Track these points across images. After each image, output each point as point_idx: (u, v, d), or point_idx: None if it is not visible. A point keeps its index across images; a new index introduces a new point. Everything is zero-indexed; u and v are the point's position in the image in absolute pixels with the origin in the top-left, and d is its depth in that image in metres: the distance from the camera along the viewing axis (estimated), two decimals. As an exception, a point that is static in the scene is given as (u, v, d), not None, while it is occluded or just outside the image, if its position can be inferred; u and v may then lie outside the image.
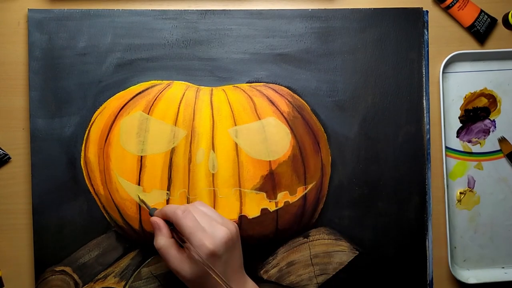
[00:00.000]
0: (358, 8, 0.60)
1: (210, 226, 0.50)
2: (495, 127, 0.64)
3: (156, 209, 0.54)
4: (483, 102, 0.64)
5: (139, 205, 0.57)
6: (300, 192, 0.59)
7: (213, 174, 0.58)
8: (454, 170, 0.63)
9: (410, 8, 0.61)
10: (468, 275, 0.62)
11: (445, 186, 0.61)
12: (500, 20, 0.64)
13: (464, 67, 0.63)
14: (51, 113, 0.57)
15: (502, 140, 0.63)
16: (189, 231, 0.49)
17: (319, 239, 0.60)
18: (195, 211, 0.51)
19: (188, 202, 0.57)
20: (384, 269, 0.60)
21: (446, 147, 0.63)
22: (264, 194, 0.58)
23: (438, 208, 0.62)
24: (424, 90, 0.61)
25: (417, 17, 0.61)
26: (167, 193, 0.57)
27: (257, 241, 0.59)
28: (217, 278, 0.48)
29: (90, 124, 0.58)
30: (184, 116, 0.58)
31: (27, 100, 0.58)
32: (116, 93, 0.58)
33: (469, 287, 0.62)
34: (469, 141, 0.63)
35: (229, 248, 0.50)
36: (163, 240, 0.51)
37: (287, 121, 0.59)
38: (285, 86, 0.59)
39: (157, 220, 0.52)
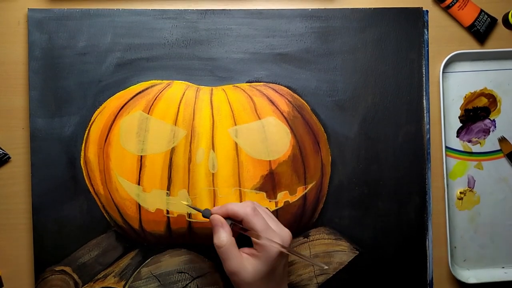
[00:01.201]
0: (358, 8, 0.60)
1: (277, 226, 0.51)
2: (495, 126, 0.64)
3: (209, 210, 0.52)
4: (483, 102, 0.64)
5: (139, 204, 0.57)
6: (300, 192, 0.59)
7: (213, 174, 0.58)
8: (454, 170, 0.63)
9: (410, 8, 0.61)
10: (468, 275, 0.62)
11: (445, 186, 0.61)
12: (500, 20, 0.64)
13: (464, 67, 0.63)
14: (51, 113, 0.57)
15: (502, 140, 0.63)
16: (262, 228, 0.49)
17: (319, 239, 0.60)
18: (260, 209, 0.52)
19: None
20: (384, 269, 0.60)
21: (446, 147, 0.63)
22: (264, 194, 0.58)
23: (438, 208, 0.62)
24: (424, 90, 0.61)
25: (417, 17, 0.61)
26: (167, 193, 0.57)
27: (257, 241, 0.59)
28: (309, 261, 0.49)
29: (90, 123, 0.58)
30: (184, 115, 0.58)
31: (27, 100, 0.58)
32: (116, 92, 0.58)
33: (469, 287, 0.62)
34: (469, 141, 0.63)
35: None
36: (226, 237, 0.49)
37: (287, 120, 0.59)
38: (285, 86, 0.59)
39: (219, 217, 0.51)
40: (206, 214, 0.52)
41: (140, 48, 0.58)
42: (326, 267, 0.52)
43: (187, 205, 0.56)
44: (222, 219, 0.51)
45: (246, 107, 0.59)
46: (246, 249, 0.51)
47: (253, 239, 0.49)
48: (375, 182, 0.60)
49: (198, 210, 0.53)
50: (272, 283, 0.50)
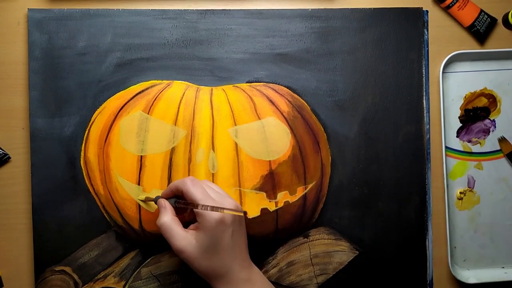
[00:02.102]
0: (358, 8, 0.60)
1: (219, 197, 0.50)
2: (495, 127, 0.64)
3: (160, 196, 0.54)
4: (483, 102, 0.63)
5: (139, 204, 0.57)
6: (300, 192, 0.59)
7: (213, 174, 0.58)
8: (454, 170, 0.63)
9: (410, 8, 0.61)
10: (468, 275, 0.62)
11: (445, 186, 0.61)
12: (500, 20, 0.64)
13: (464, 67, 0.63)
14: (51, 113, 0.57)
15: (502, 140, 0.63)
16: (200, 197, 0.49)
17: (319, 239, 0.60)
18: (204, 183, 0.52)
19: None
20: (384, 269, 0.60)
21: (446, 147, 0.63)
22: (264, 194, 0.58)
23: (438, 208, 0.62)
24: (424, 90, 0.61)
25: (417, 17, 0.61)
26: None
27: (257, 241, 0.59)
28: (232, 212, 0.48)
29: (90, 123, 0.58)
30: (184, 115, 0.58)
31: (27, 100, 0.58)
32: (116, 92, 0.58)
33: (469, 287, 0.62)
34: (469, 141, 0.63)
35: (236, 221, 0.50)
36: (166, 216, 0.50)
37: (287, 121, 0.59)
38: (285, 86, 0.59)
39: (161, 200, 0.52)
40: (156, 200, 0.54)
41: (140, 48, 0.58)
42: (245, 212, 0.50)
43: (141, 200, 0.57)
44: (164, 201, 0.52)
45: (246, 107, 0.59)
46: (191, 226, 0.51)
47: (194, 210, 0.49)
48: (375, 182, 0.60)
49: (151, 200, 0.55)
50: (221, 256, 0.49)
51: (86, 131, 0.58)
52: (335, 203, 0.60)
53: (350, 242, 0.60)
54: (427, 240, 0.60)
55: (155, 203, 0.54)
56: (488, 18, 0.62)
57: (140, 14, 0.58)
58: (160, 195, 0.54)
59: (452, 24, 0.63)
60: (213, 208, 0.48)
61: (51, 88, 0.58)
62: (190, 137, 0.58)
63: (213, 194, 0.51)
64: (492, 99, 0.64)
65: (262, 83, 0.59)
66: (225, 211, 0.48)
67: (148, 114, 0.58)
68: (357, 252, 0.60)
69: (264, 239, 0.59)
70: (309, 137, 0.59)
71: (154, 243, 0.58)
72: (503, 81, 0.64)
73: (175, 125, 0.58)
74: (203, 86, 0.59)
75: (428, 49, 0.61)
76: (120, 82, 0.58)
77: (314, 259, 0.59)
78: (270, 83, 0.59)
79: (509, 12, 0.62)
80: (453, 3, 0.62)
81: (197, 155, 0.58)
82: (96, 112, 0.58)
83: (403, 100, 0.61)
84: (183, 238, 0.49)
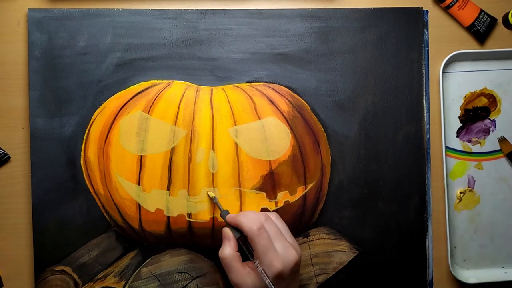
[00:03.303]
0: (358, 8, 0.60)
1: (283, 247, 0.50)
2: (495, 126, 0.64)
3: (228, 212, 0.55)
4: (483, 102, 0.63)
5: (139, 204, 0.57)
6: (300, 191, 0.59)
7: (213, 174, 0.58)
8: (454, 170, 0.63)
9: (410, 8, 0.61)
10: (468, 275, 0.62)
11: (445, 186, 0.61)
12: (500, 20, 0.64)
13: (464, 67, 0.63)
14: (51, 113, 0.57)
15: (502, 140, 0.63)
16: (262, 249, 0.49)
17: (319, 239, 0.60)
18: (271, 225, 0.52)
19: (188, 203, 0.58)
20: (384, 269, 0.60)
21: (446, 147, 0.63)
22: (264, 193, 0.58)
23: (438, 208, 0.62)
24: (424, 90, 0.61)
25: (417, 17, 0.61)
26: (167, 193, 0.57)
27: (257, 241, 0.59)
28: None
29: (90, 123, 0.58)
30: (184, 115, 0.58)
31: (27, 100, 0.58)
32: (116, 92, 0.58)
33: (469, 287, 0.62)
34: (469, 141, 0.63)
35: (294, 272, 0.50)
36: (229, 251, 0.51)
37: (287, 120, 0.59)
38: (285, 86, 0.59)
39: (228, 230, 0.53)
40: (223, 215, 0.55)
41: (140, 48, 0.58)
42: None
43: (213, 197, 0.57)
44: (229, 233, 0.53)
45: (246, 107, 0.59)
46: (250, 263, 0.52)
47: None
48: (375, 182, 0.60)
49: (220, 208, 0.56)
50: None
51: (86, 131, 0.58)
52: (335, 203, 0.60)
53: (350, 242, 0.60)
54: (427, 240, 0.60)
55: (222, 216, 0.55)
56: (488, 18, 0.62)
57: (140, 14, 0.58)
58: (227, 218, 0.54)
59: (452, 24, 0.63)
60: (265, 279, 0.48)
61: (51, 88, 0.58)
62: (190, 137, 0.58)
63: (278, 244, 0.50)
64: (492, 99, 0.64)
65: (262, 83, 0.59)
66: (266, 282, 0.49)
67: (148, 114, 0.58)
68: (357, 252, 0.60)
69: (264, 239, 0.59)
70: (309, 137, 0.59)
71: (154, 243, 0.58)
72: (503, 81, 0.64)
73: (175, 125, 0.58)
74: (203, 86, 0.59)
75: (428, 49, 0.61)
76: (120, 82, 0.58)
77: (314, 259, 0.59)
78: (270, 83, 0.59)
79: (509, 12, 0.62)
80: (453, 3, 0.62)
81: (197, 155, 0.58)
82: (96, 112, 0.58)
83: (403, 100, 0.61)
84: (241, 276, 0.50)
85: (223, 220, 0.54)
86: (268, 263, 0.49)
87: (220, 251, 0.52)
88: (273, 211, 0.58)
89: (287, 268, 0.49)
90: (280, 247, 0.50)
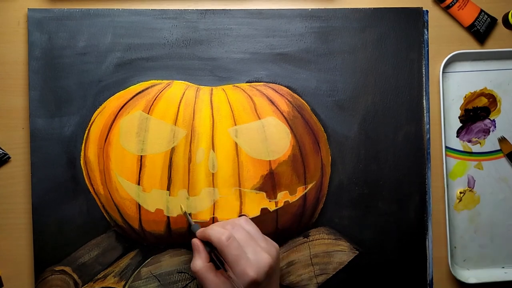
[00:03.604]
0: (358, 8, 0.60)
1: (254, 253, 0.50)
2: (495, 126, 0.64)
3: (199, 225, 0.55)
4: (483, 101, 0.63)
5: (139, 204, 0.57)
6: (300, 191, 0.59)
7: (213, 174, 0.58)
8: (454, 170, 0.63)
9: (410, 8, 0.61)
10: (468, 275, 0.62)
11: (445, 186, 0.61)
12: (500, 20, 0.64)
13: (464, 67, 0.63)
14: (51, 113, 0.57)
15: (502, 140, 0.63)
16: (233, 259, 0.49)
17: (319, 239, 0.60)
18: (240, 232, 0.51)
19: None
20: (384, 269, 0.60)
21: (446, 147, 0.63)
22: (264, 193, 0.58)
23: (438, 208, 0.62)
24: (424, 89, 0.61)
25: (417, 17, 0.61)
26: (167, 193, 0.57)
27: (257, 241, 0.59)
28: None
29: (90, 123, 0.58)
30: (184, 115, 0.58)
31: (27, 100, 0.58)
32: (116, 92, 0.58)
33: (469, 287, 0.62)
34: (469, 141, 0.63)
35: (270, 275, 0.50)
36: (200, 263, 0.51)
37: (287, 120, 0.59)
38: (285, 86, 0.59)
39: (197, 242, 0.53)
40: (194, 230, 0.55)
41: (140, 48, 0.58)
42: None
43: (184, 212, 0.57)
44: (199, 244, 0.53)
45: (246, 107, 0.59)
46: (225, 274, 0.51)
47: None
48: (375, 182, 0.60)
49: (190, 222, 0.56)
50: None
51: (86, 131, 0.58)
52: (335, 203, 0.60)
53: (350, 242, 0.60)
54: (427, 240, 0.60)
55: (192, 230, 0.55)
56: (488, 18, 0.62)
57: (140, 14, 0.58)
58: (197, 232, 0.54)
59: (452, 24, 0.63)
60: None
61: (51, 88, 0.58)
62: (190, 137, 0.58)
63: (249, 250, 0.50)
64: (492, 99, 0.64)
65: (262, 83, 0.59)
66: None
67: (148, 114, 0.58)
68: (357, 252, 0.60)
69: (264, 239, 0.59)
70: (309, 137, 0.59)
71: (154, 243, 0.58)
72: (503, 81, 0.64)
73: (175, 125, 0.58)
74: (203, 86, 0.59)
75: (428, 49, 0.61)
76: (120, 82, 0.58)
77: (314, 259, 0.59)
78: (270, 83, 0.59)
79: (509, 12, 0.62)
80: (453, 3, 0.62)
81: (197, 155, 0.58)
82: (96, 112, 0.58)
83: (403, 100, 0.61)
84: (216, 286, 0.50)
85: (192, 246, 0.54)
86: (241, 271, 0.48)
87: (191, 265, 0.52)
88: (273, 211, 0.58)
89: (261, 274, 0.49)
90: (251, 254, 0.50)
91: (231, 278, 0.49)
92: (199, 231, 0.54)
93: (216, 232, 0.51)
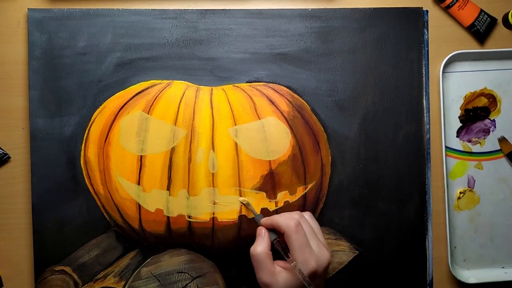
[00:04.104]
0: (358, 8, 0.60)
1: (317, 246, 0.51)
2: (495, 126, 0.64)
3: (262, 216, 0.55)
4: (483, 101, 0.63)
5: (139, 204, 0.57)
6: (300, 191, 0.59)
7: (213, 174, 0.58)
8: (454, 170, 0.63)
9: (410, 8, 0.61)
10: (468, 275, 0.62)
11: (445, 186, 0.61)
12: (500, 20, 0.64)
13: (464, 67, 0.63)
14: (51, 113, 0.57)
15: (502, 140, 0.63)
16: (299, 246, 0.49)
17: (319, 239, 0.60)
18: (306, 224, 0.52)
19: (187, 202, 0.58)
20: (384, 269, 0.60)
21: (446, 147, 0.63)
22: (264, 193, 0.58)
23: (438, 208, 0.62)
24: (424, 89, 0.61)
25: (417, 17, 0.61)
26: (167, 193, 0.57)
27: (257, 240, 0.59)
28: None
29: (90, 123, 0.58)
30: (184, 115, 0.58)
31: (27, 100, 0.58)
32: (116, 92, 0.58)
33: (469, 287, 0.62)
34: (469, 141, 0.63)
35: (325, 271, 0.51)
36: (261, 248, 0.51)
37: (287, 120, 0.59)
38: (285, 86, 0.59)
39: (262, 229, 0.53)
40: (257, 219, 0.55)
41: (140, 48, 0.58)
42: None
43: (247, 203, 0.57)
44: (264, 230, 0.53)
45: (246, 107, 0.59)
46: (281, 262, 0.51)
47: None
48: (375, 182, 0.60)
49: (254, 213, 0.56)
50: None
51: (86, 131, 0.58)
52: (335, 203, 0.60)
53: (350, 242, 0.60)
54: (427, 240, 0.60)
55: (256, 220, 0.55)
56: (488, 18, 0.62)
57: (140, 14, 0.58)
58: (261, 220, 0.54)
59: (452, 24, 0.63)
60: (303, 278, 0.48)
61: (51, 88, 0.58)
62: (190, 137, 0.58)
63: (313, 243, 0.51)
64: (492, 99, 0.64)
65: (262, 83, 0.59)
66: (302, 279, 0.49)
67: (148, 114, 0.58)
68: (357, 252, 0.60)
69: (264, 239, 0.59)
70: (309, 137, 0.59)
71: (154, 243, 0.58)
72: (503, 81, 0.64)
73: (175, 125, 0.58)
74: (203, 86, 0.59)
75: (428, 49, 0.61)
76: (120, 82, 0.58)
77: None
78: (270, 83, 0.59)
79: (509, 12, 0.62)
80: (453, 3, 0.62)
81: (197, 155, 0.58)
82: (96, 112, 0.58)
83: (403, 100, 0.61)
84: (271, 274, 0.50)
85: (257, 224, 0.54)
86: (304, 260, 0.49)
87: (252, 248, 0.51)
88: (273, 211, 0.58)
89: (321, 267, 0.50)
90: (314, 246, 0.51)
91: (296, 268, 0.49)
92: (265, 219, 0.54)
93: (285, 219, 0.51)
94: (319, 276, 0.50)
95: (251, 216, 0.57)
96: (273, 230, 0.53)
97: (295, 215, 0.53)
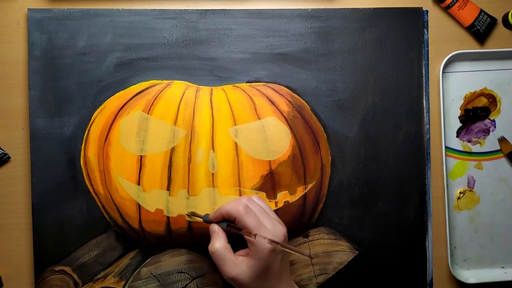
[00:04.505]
0: (358, 8, 0.60)
1: (271, 223, 0.51)
2: (495, 127, 0.64)
3: (208, 214, 0.55)
4: (483, 102, 0.63)
5: (139, 204, 0.57)
6: (300, 191, 0.59)
7: (213, 174, 0.58)
8: (454, 170, 0.63)
9: (410, 8, 0.61)
10: (468, 275, 0.62)
11: (445, 186, 0.61)
12: (500, 20, 0.64)
13: (464, 67, 0.63)
14: (51, 113, 0.57)
15: (502, 140, 0.63)
16: (252, 227, 0.49)
17: (318, 239, 0.60)
18: (254, 205, 0.52)
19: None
20: (384, 269, 0.60)
21: (446, 147, 0.63)
22: (264, 193, 0.58)
23: (438, 208, 0.62)
24: (424, 90, 0.61)
25: (417, 17, 0.61)
26: (167, 193, 0.57)
27: (257, 241, 0.59)
28: (294, 252, 0.49)
29: (90, 123, 0.58)
30: (184, 115, 0.58)
31: (26, 100, 0.58)
32: (116, 92, 0.58)
33: (469, 287, 0.62)
34: (469, 141, 0.63)
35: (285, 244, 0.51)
36: (218, 244, 0.51)
37: (287, 120, 0.59)
38: (285, 86, 0.59)
39: (214, 226, 0.53)
40: (206, 219, 0.54)
41: (140, 48, 0.58)
42: (311, 257, 0.53)
43: (187, 214, 0.57)
44: (216, 227, 0.53)
45: (246, 107, 0.59)
46: (241, 251, 0.52)
47: (246, 237, 0.50)
48: (375, 182, 0.60)
49: (199, 217, 0.55)
50: (270, 281, 0.50)
51: (86, 131, 0.58)
52: (335, 203, 0.60)
53: (350, 242, 0.60)
54: (427, 240, 0.60)
55: (205, 222, 0.54)
56: (488, 18, 0.62)
57: (140, 14, 0.58)
58: (209, 217, 0.54)
59: (452, 24, 0.63)
60: (271, 242, 0.48)
61: (51, 88, 0.58)
62: (190, 137, 0.58)
63: (266, 221, 0.51)
64: (492, 99, 0.64)
65: (262, 83, 0.59)
66: (286, 249, 0.49)
67: (148, 114, 0.58)
68: (357, 252, 0.60)
69: (264, 239, 0.59)
70: (309, 137, 0.59)
71: (154, 243, 0.59)
72: (503, 81, 0.64)
73: (175, 125, 0.58)
74: (203, 86, 0.59)
75: (428, 49, 0.61)
76: (120, 82, 0.58)
77: (314, 259, 0.59)
78: (270, 83, 0.59)
79: (509, 12, 0.62)
80: (453, 3, 0.62)
81: (197, 155, 0.58)
82: (96, 112, 0.58)
83: (403, 100, 0.61)
84: (235, 266, 0.50)
85: (208, 225, 0.54)
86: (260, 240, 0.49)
87: (210, 246, 0.51)
88: (273, 211, 0.58)
89: (278, 240, 0.49)
90: (268, 223, 0.50)
91: (255, 234, 0.49)
92: (213, 213, 0.54)
93: (232, 204, 0.51)
94: (279, 252, 0.50)
95: (199, 220, 0.56)
96: (224, 220, 0.53)
97: (242, 199, 0.52)
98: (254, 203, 0.52)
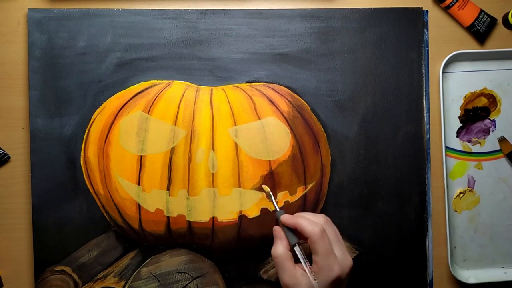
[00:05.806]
0: (358, 8, 0.60)
1: (341, 252, 0.50)
2: (495, 127, 0.64)
3: (283, 212, 0.53)
4: (483, 102, 0.64)
5: (139, 204, 0.57)
6: (300, 192, 0.59)
7: (213, 174, 0.58)
8: (454, 170, 0.63)
9: (410, 8, 0.61)
10: (468, 275, 0.62)
11: (445, 186, 0.61)
12: (500, 20, 0.64)
13: (464, 67, 0.63)
14: (51, 113, 0.57)
15: (502, 140, 0.63)
16: (324, 252, 0.49)
17: (319, 239, 0.59)
18: (330, 229, 0.51)
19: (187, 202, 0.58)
20: (384, 269, 0.60)
21: (446, 147, 0.63)
22: (264, 194, 0.58)
23: (438, 208, 0.62)
24: (424, 90, 0.61)
25: (417, 17, 0.61)
26: (167, 193, 0.57)
27: (257, 241, 0.59)
28: None
29: (90, 123, 0.58)
30: (184, 115, 0.58)
31: (26, 100, 0.58)
32: (116, 92, 0.58)
33: (469, 287, 0.62)
34: (469, 141, 0.63)
35: (347, 278, 0.51)
36: (282, 250, 0.51)
37: (287, 120, 0.59)
38: (285, 86, 0.59)
39: (279, 230, 0.52)
40: (278, 215, 0.53)
41: (140, 48, 0.58)
42: None
43: (268, 193, 0.56)
44: (282, 233, 0.52)
45: (246, 107, 0.59)
46: (301, 265, 0.51)
47: (312, 257, 0.50)
48: (375, 182, 0.60)
49: (276, 206, 0.54)
50: None
51: (86, 131, 0.58)
52: (335, 203, 0.60)
53: (350, 242, 0.60)
54: (427, 240, 0.60)
55: (276, 216, 0.53)
56: (488, 18, 0.62)
57: (140, 14, 0.58)
58: (281, 218, 0.52)
59: (452, 24, 0.63)
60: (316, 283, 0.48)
61: (51, 88, 0.58)
62: (190, 137, 0.58)
63: (337, 248, 0.50)
64: (492, 99, 0.64)
65: (262, 83, 0.59)
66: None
67: (148, 114, 0.58)
68: (357, 252, 0.60)
69: (264, 239, 0.59)
70: (309, 137, 0.59)
71: (154, 243, 0.59)
72: (503, 81, 0.64)
73: (175, 125, 0.58)
74: (203, 86, 0.59)
75: (428, 49, 0.61)
76: (120, 82, 0.58)
77: (314, 259, 0.59)
78: (270, 83, 0.59)
79: (509, 12, 0.62)
80: (453, 3, 0.62)
81: (197, 155, 0.58)
82: (96, 112, 0.58)
83: (403, 100, 0.61)
84: (292, 276, 0.49)
85: (277, 219, 0.53)
86: (328, 267, 0.48)
87: (272, 250, 0.51)
88: (273, 211, 0.58)
89: (344, 273, 0.49)
90: (338, 252, 0.50)
91: (313, 272, 0.49)
92: (287, 218, 0.52)
93: (310, 223, 0.50)
94: (342, 282, 0.50)
95: (272, 209, 0.56)
96: (292, 230, 0.52)
97: (320, 218, 0.52)
98: (331, 226, 0.52)
